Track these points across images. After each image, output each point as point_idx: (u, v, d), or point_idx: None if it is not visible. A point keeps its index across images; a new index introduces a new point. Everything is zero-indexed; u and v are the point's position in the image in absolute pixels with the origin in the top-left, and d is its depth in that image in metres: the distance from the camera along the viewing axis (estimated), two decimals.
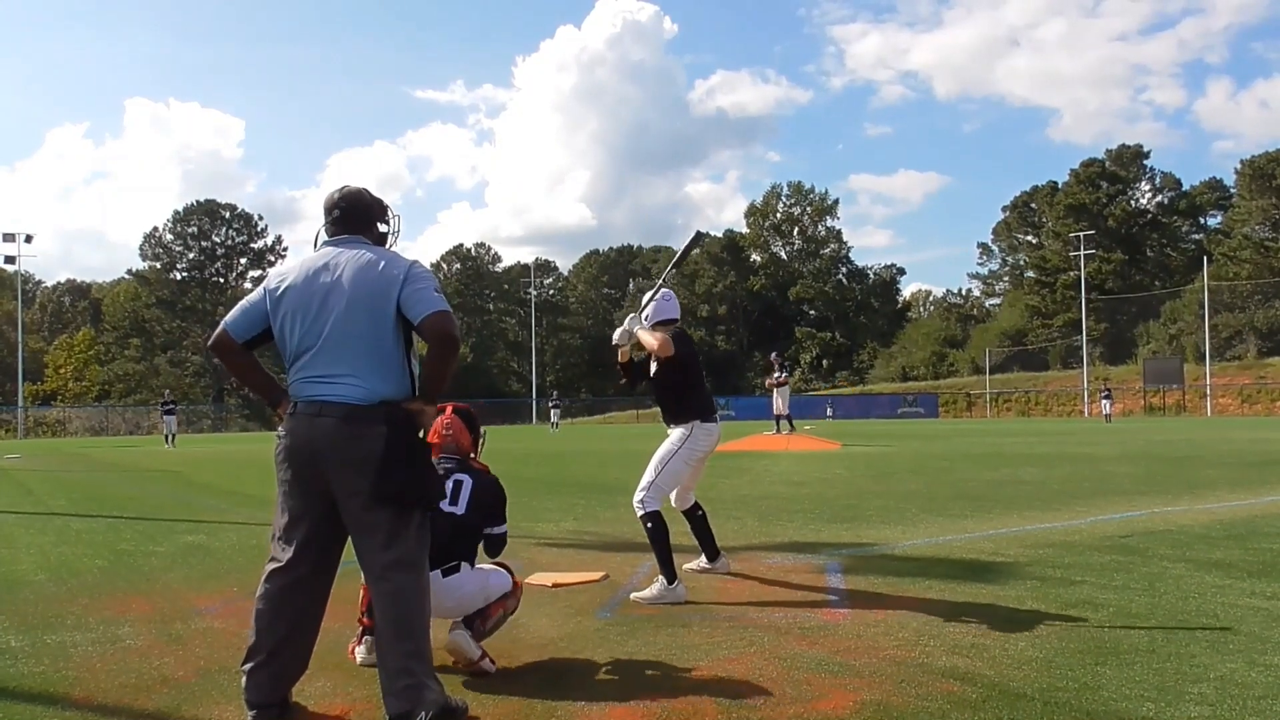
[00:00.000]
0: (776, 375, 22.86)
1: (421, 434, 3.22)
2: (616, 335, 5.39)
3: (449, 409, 4.19)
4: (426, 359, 3.13)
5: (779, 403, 22.64)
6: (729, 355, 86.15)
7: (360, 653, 3.92)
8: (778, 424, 22.74)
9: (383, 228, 3.46)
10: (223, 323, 3.29)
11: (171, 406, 32.06)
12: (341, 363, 3.13)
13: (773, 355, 24.60)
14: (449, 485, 3.97)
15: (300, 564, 3.20)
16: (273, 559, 3.25)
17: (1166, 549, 6.28)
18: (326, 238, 3.35)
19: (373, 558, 3.14)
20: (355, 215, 3.36)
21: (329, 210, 3.37)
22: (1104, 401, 42.61)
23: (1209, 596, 4.82)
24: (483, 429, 4.27)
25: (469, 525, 3.95)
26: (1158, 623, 4.30)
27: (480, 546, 4.07)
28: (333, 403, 3.09)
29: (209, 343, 3.31)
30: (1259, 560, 5.84)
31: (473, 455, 4.18)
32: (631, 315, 5.42)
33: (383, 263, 3.20)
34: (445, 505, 3.87)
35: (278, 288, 3.24)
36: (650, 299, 5.45)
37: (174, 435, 31.49)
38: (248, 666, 3.18)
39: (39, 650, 4.19)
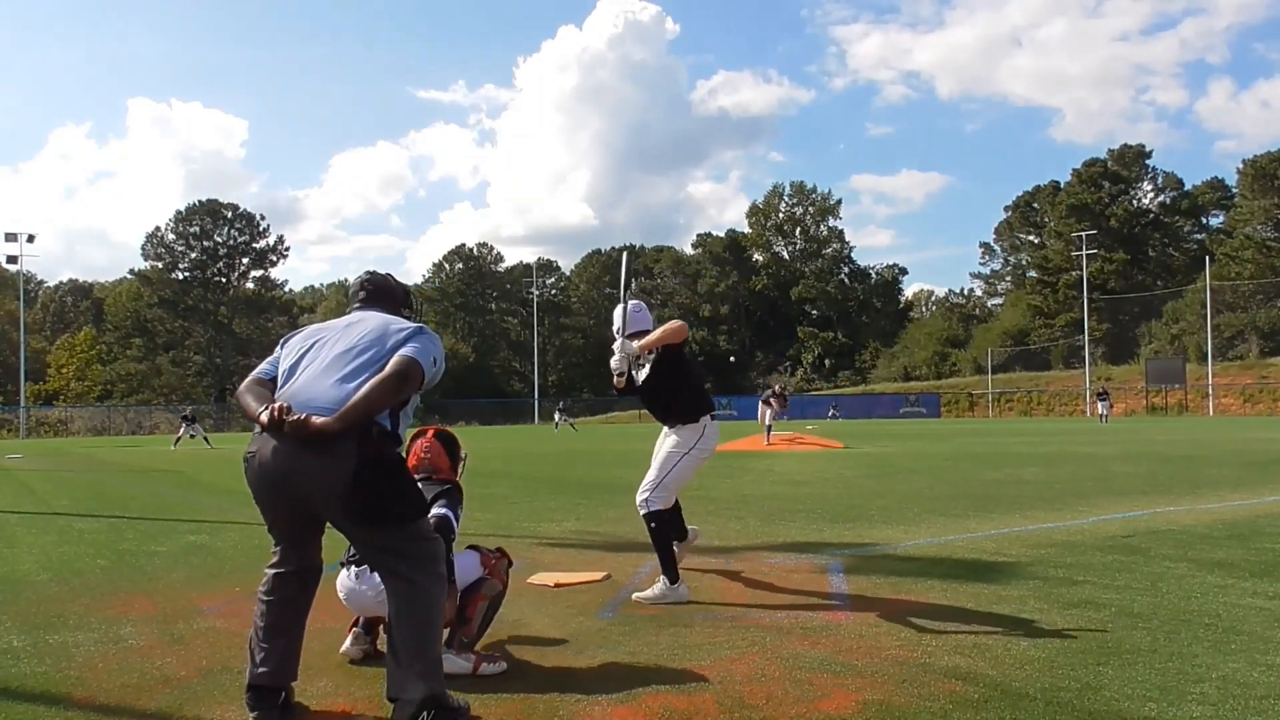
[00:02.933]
0: (773, 397, 24.52)
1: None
2: (615, 363, 5.13)
3: (430, 432, 4.20)
4: (375, 379, 3.06)
5: (768, 415, 23.83)
6: (731, 355, 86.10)
7: (346, 643, 3.94)
8: (768, 432, 23.59)
9: (406, 313, 3.58)
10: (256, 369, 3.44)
11: (192, 421, 31.96)
12: (324, 385, 3.13)
13: (777, 387, 26.28)
14: None
15: (286, 561, 3.29)
16: (271, 552, 3.35)
17: (1169, 549, 6.28)
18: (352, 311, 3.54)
19: (379, 564, 3.20)
20: (381, 295, 3.56)
21: (354, 293, 3.57)
22: (1100, 403, 42.20)
23: (1211, 596, 4.82)
24: (464, 451, 4.25)
25: None
26: (1160, 623, 4.29)
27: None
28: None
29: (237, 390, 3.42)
30: (1261, 560, 5.83)
31: (454, 478, 4.12)
32: (620, 341, 5.16)
33: (396, 321, 3.34)
34: None
35: (290, 337, 3.45)
36: (621, 316, 5.32)
37: (179, 440, 31.37)
38: (250, 656, 3.23)
39: (41, 650, 4.19)
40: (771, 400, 24.35)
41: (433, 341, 3.27)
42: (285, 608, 3.26)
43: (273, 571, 3.29)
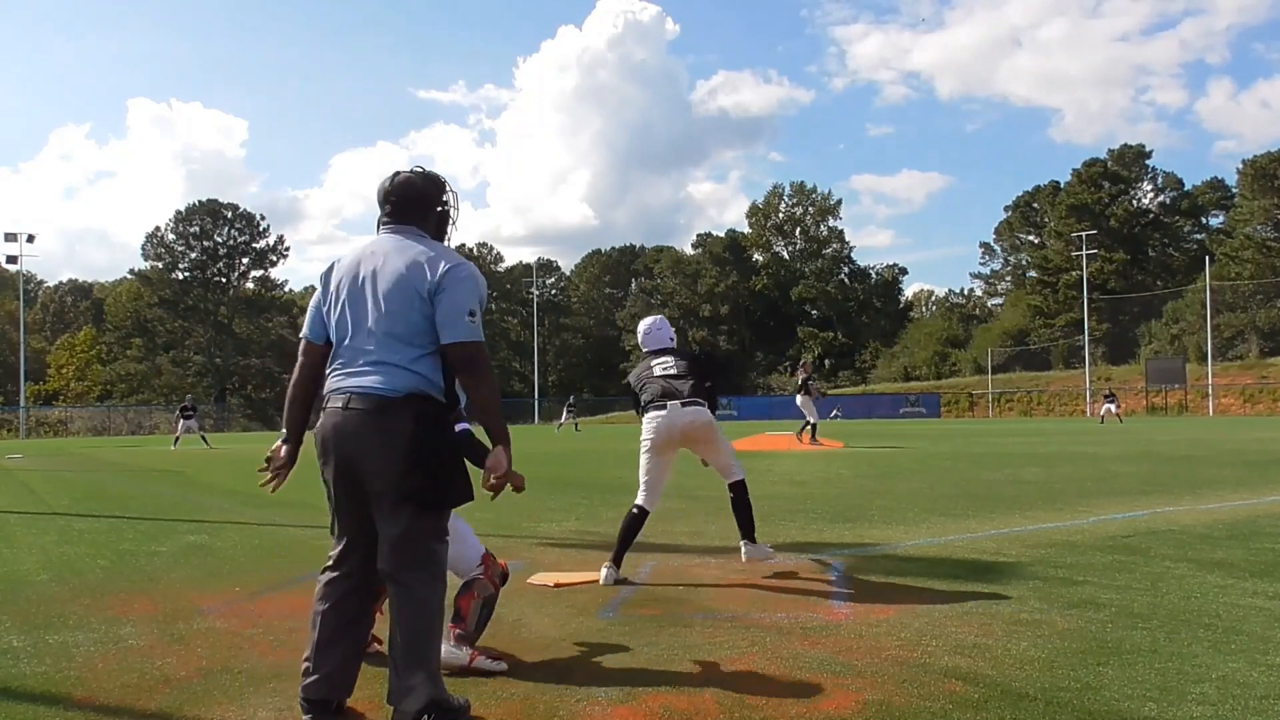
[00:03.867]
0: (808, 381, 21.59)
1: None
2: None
3: None
4: (465, 391, 3.15)
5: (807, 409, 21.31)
6: (731, 355, 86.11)
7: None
8: (813, 430, 21.21)
9: (440, 209, 3.38)
10: (302, 335, 3.33)
11: (190, 411, 30.95)
12: (371, 354, 3.10)
13: (805, 361, 23.88)
14: None
15: (346, 561, 3.20)
16: (328, 556, 3.25)
17: (1169, 549, 6.28)
18: (381, 227, 3.32)
19: (393, 555, 3.10)
20: (407, 205, 3.29)
21: (382, 201, 3.31)
22: (1107, 403, 41.53)
23: (1211, 596, 4.81)
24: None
25: None
26: (1160, 623, 4.29)
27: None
28: (359, 394, 3.06)
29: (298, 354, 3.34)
30: (1261, 560, 5.83)
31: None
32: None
33: (424, 260, 3.13)
34: None
35: (327, 276, 3.28)
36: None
37: (179, 439, 30.44)
38: (304, 666, 3.17)
39: (41, 650, 4.19)
40: (809, 387, 21.01)
41: (460, 292, 3.08)
42: (337, 615, 3.17)
43: (326, 575, 3.21)
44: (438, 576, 3.16)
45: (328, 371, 3.21)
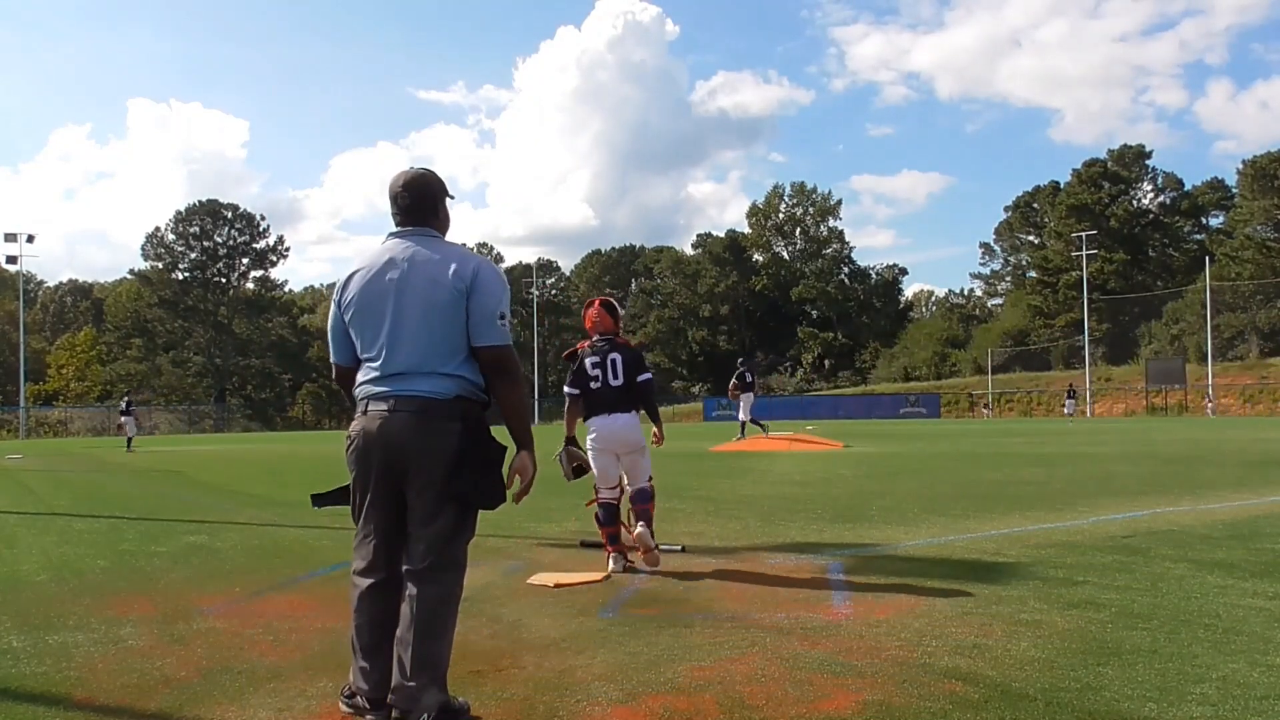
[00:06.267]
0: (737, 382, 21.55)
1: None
2: None
3: (596, 302, 5.93)
4: (495, 394, 3.18)
5: (743, 409, 21.62)
6: (731, 355, 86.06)
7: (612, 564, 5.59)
8: (742, 429, 21.95)
9: (449, 200, 3.40)
10: (332, 361, 3.37)
11: (128, 408, 30.16)
12: (411, 362, 3.11)
13: (739, 361, 23.41)
14: (606, 363, 5.75)
15: (381, 563, 3.17)
16: (355, 562, 3.23)
17: (1169, 549, 6.27)
18: (394, 228, 3.30)
19: (424, 555, 3.08)
20: (421, 204, 3.27)
21: (394, 199, 3.27)
22: (1068, 402, 41.70)
23: (1211, 597, 4.81)
24: (622, 310, 5.48)
25: (629, 389, 5.76)
26: (1160, 623, 4.29)
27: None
28: (406, 397, 3.08)
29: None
30: (1261, 560, 5.83)
31: (619, 334, 5.77)
32: None
33: (450, 266, 3.14)
34: (611, 380, 5.74)
35: (344, 289, 3.26)
36: None
37: (130, 439, 29.44)
38: (360, 666, 3.16)
39: (41, 650, 4.19)
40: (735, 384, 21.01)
41: (491, 295, 3.13)
42: (381, 616, 3.15)
43: (364, 581, 3.18)
44: (460, 578, 3.18)
45: (363, 379, 3.20)
